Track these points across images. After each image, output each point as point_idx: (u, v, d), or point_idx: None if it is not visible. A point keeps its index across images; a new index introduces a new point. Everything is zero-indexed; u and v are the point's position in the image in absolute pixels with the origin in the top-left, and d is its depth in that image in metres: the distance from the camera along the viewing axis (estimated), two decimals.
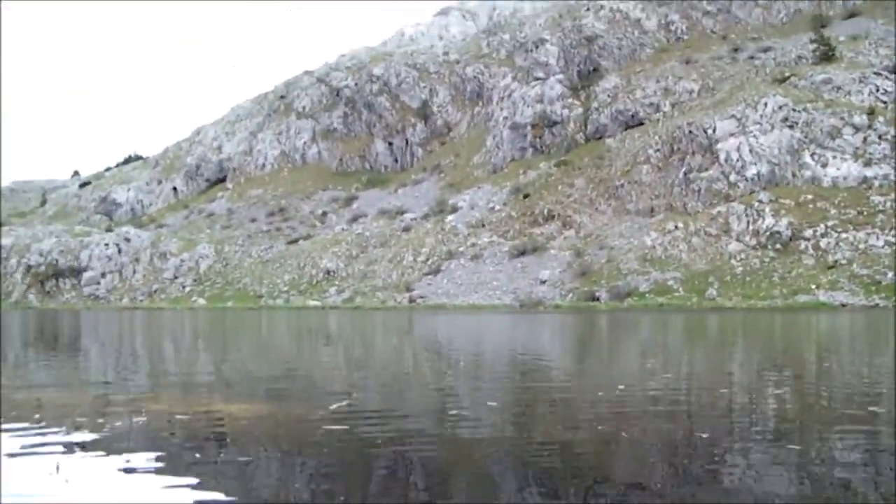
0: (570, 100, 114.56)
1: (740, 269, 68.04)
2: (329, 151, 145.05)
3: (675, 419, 8.59)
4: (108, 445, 6.89)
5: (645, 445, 7.19)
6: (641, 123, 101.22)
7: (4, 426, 7.77)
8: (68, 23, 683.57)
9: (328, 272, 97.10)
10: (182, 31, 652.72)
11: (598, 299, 67.80)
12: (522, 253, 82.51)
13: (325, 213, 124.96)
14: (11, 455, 6.52)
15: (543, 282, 74.68)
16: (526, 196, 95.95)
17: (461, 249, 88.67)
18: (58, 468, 5.91)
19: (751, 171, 77.13)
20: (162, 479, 5.73)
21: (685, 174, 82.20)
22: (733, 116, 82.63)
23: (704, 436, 7.35)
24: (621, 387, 11.13)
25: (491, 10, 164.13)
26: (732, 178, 78.33)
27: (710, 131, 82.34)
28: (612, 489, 5.61)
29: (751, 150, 78.31)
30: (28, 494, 5.27)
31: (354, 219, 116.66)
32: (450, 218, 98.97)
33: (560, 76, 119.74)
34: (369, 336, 28.98)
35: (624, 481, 5.84)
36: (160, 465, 6.20)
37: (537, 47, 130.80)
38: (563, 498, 5.43)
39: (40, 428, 7.72)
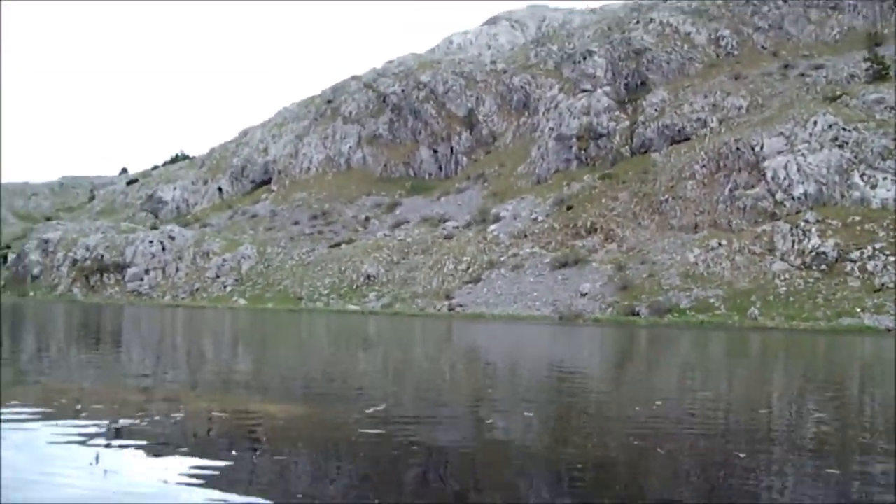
0: (616, 112, 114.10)
1: (784, 288, 67.31)
2: (374, 157, 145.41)
3: (712, 437, 8.52)
4: (147, 439, 6.96)
5: (680, 462, 7.15)
6: (688, 138, 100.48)
7: (47, 416, 7.88)
8: (121, 22, 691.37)
9: (369, 277, 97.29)
10: (231, 32, 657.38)
11: (638, 314, 67.39)
12: (564, 265, 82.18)
13: (367, 219, 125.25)
14: (53, 443, 6.61)
15: (584, 294, 74.35)
16: (569, 208, 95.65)
17: (502, 259, 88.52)
18: (97, 459, 5.99)
19: (798, 190, 76.36)
20: (198, 475, 5.79)
21: (731, 191, 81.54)
22: (782, 134, 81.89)
23: (742, 455, 7.27)
24: (659, 402, 11.08)
25: (540, 21, 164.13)
26: (779, 196, 77.59)
27: (757, 148, 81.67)
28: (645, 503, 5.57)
29: (798, 169, 77.52)
30: (67, 481, 5.33)
31: (397, 225, 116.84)
32: (492, 227, 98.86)
33: (607, 88, 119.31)
34: (407, 342, 29.00)
35: (658, 497, 5.81)
36: (197, 460, 6.25)
37: (585, 59, 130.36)
38: None
39: (81, 420, 7.81)
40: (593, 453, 7.38)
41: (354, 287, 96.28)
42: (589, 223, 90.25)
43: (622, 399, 12.39)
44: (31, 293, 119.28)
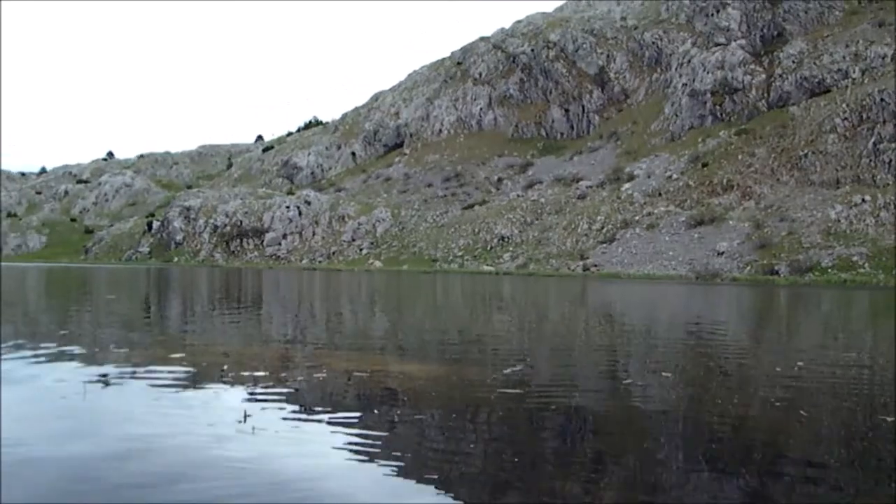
0: (752, 66, 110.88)
1: None
2: (505, 118, 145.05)
3: (856, 400, 8.42)
4: (291, 398, 7.27)
5: (823, 425, 7.11)
6: (828, 91, 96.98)
7: (194, 376, 8.30)
8: None
9: (502, 238, 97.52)
10: None
11: (777, 273, 65.86)
12: (700, 223, 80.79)
13: (500, 180, 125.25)
14: (202, 403, 7.00)
15: (721, 253, 73.03)
16: (704, 165, 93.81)
17: (637, 218, 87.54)
18: (245, 417, 6.33)
19: None
20: (339, 433, 6.04)
21: (874, 144, 78.68)
22: None
23: (889, 419, 7.17)
24: (800, 363, 10.95)
25: None
26: None
27: None
28: (787, 468, 5.57)
29: None
30: (217, 438, 5.68)
31: (530, 185, 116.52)
32: (626, 186, 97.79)
33: (742, 41, 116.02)
34: (542, 303, 29.05)
35: (800, 460, 5.79)
36: (338, 418, 6.51)
37: (718, 11, 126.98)
38: (734, 474, 5.43)
39: (227, 380, 8.20)
40: (733, 415, 7.37)
41: (488, 248, 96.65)
42: (725, 180, 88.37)
43: (762, 360, 12.25)
44: (175, 259, 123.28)
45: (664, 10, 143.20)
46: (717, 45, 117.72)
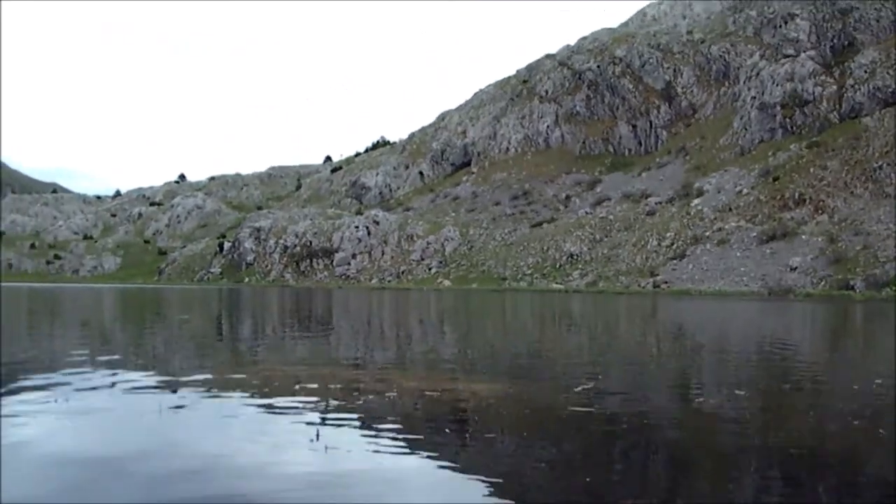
0: (822, 77, 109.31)
1: None
2: (572, 135, 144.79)
3: None
4: (362, 417, 7.31)
5: None
6: None
7: (266, 395, 8.39)
8: (321, 18, 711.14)
9: (571, 256, 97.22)
10: (425, 17, 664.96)
11: (852, 288, 64.71)
12: (772, 238, 79.77)
13: (568, 197, 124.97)
14: (274, 422, 7.08)
15: (794, 268, 71.98)
16: (775, 179, 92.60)
17: (707, 234, 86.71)
18: (317, 436, 6.38)
19: None
20: (411, 452, 6.07)
21: None
22: None
23: None
24: (878, 381, 10.74)
25: None
26: None
27: None
28: (864, 488, 5.48)
29: None
30: (290, 457, 5.74)
31: (598, 202, 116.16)
32: (695, 202, 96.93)
33: (812, 52, 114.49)
34: (613, 320, 28.90)
35: (879, 482, 5.69)
36: (410, 437, 6.53)
37: (787, 23, 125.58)
38: (810, 495, 5.36)
39: (298, 398, 8.27)
40: (808, 433, 7.25)
41: (557, 266, 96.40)
42: (797, 194, 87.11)
43: (838, 377, 12.03)
44: (247, 279, 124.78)
45: (731, 23, 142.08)
46: (786, 56, 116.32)
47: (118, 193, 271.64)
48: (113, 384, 9.03)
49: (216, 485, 5.08)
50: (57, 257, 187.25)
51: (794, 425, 7.60)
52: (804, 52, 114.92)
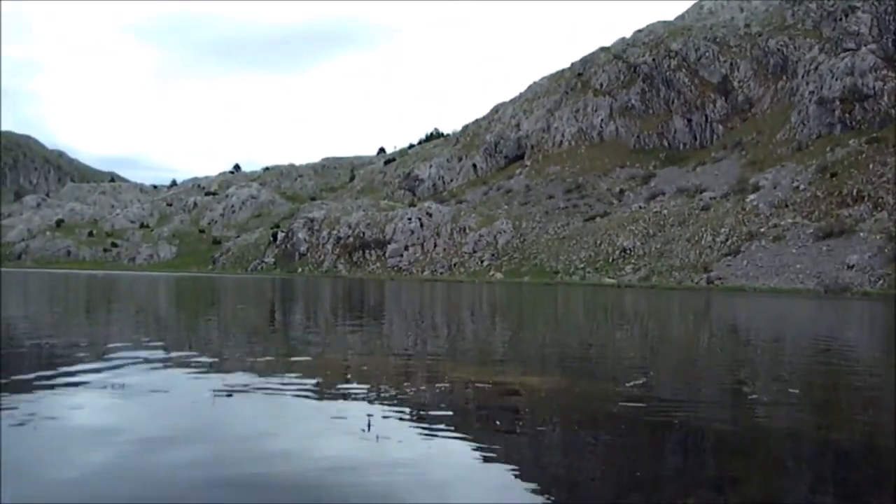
0: (883, 71, 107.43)
1: None
2: (626, 128, 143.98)
3: None
4: (413, 408, 7.32)
5: None
6: None
7: (318, 385, 8.43)
8: (375, 14, 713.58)
9: (624, 250, 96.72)
10: (481, 9, 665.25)
11: None
12: (829, 235, 78.65)
13: (622, 191, 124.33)
14: (326, 411, 7.11)
15: (851, 266, 70.90)
16: (833, 175, 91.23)
17: (762, 230, 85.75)
18: (369, 426, 6.41)
19: None
20: (462, 442, 6.06)
21: None
22: None
23: None
24: None
25: None
26: None
27: None
28: None
29: None
30: (343, 446, 5.77)
31: (652, 197, 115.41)
32: (751, 197, 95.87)
33: (873, 46, 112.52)
34: (666, 315, 28.73)
35: None
36: (461, 429, 6.53)
37: (847, 16, 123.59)
38: (864, 495, 5.30)
39: (350, 388, 8.32)
40: (864, 435, 7.14)
41: (610, 260, 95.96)
42: (855, 191, 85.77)
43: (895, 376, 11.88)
44: (300, 269, 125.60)
45: (790, 16, 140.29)
46: (847, 50, 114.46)
47: (174, 183, 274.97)
48: (167, 370, 9.15)
49: (266, 469, 5.13)
50: (114, 245, 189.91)
51: (849, 424, 7.51)
52: (865, 45, 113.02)
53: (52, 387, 7.77)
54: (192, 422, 6.48)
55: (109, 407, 6.93)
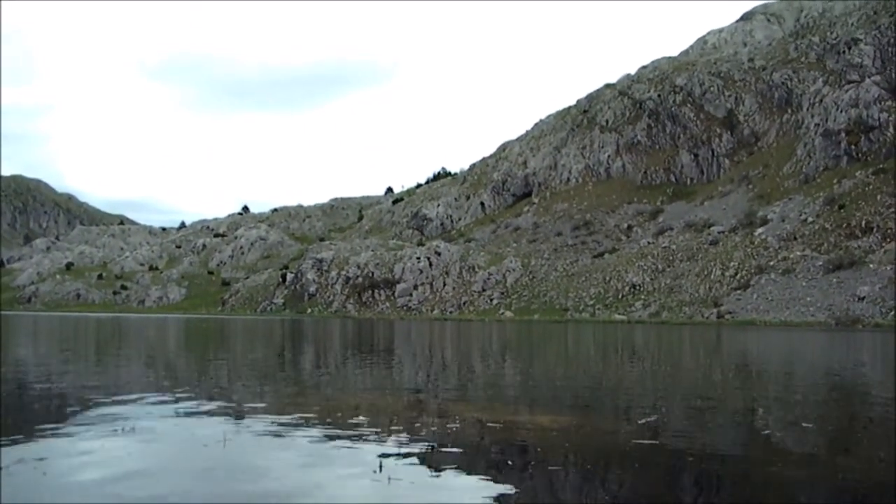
0: (888, 102, 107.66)
1: None
2: (633, 164, 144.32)
3: None
4: (424, 449, 7.29)
5: None
6: None
7: (328, 425, 8.40)
8: (382, 53, 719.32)
9: (634, 286, 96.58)
10: (484, 48, 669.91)
11: None
12: (838, 267, 78.47)
13: (630, 227, 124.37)
14: (336, 452, 7.08)
15: (861, 298, 70.68)
16: (841, 207, 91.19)
17: (772, 263, 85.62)
18: (380, 467, 6.38)
19: None
20: (474, 482, 6.03)
21: None
22: None
23: None
24: None
25: (797, 12, 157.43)
26: None
27: None
28: None
29: None
30: (355, 488, 5.73)
31: (660, 232, 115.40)
32: (759, 231, 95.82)
33: (877, 77, 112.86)
34: (676, 351, 28.65)
35: None
36: (472, 469, 6.50)
37: (850, 48, 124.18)
38: None
39: (361, 429, 8.29)
40: (879, 470, 7.11)
41: (620, 296, 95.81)
42: (864, 222, 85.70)
43: None
44: (309, 310, 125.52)
45: (793, 49, 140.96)
46: (851, 82, 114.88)
47: (183, 225, 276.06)
48: (177, 413, 9.14)
49: None
50: (124, 288, 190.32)
51: (863, 459, 7.45)
52: (869, 77, 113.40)
53: (59, 431, 7.75)
54: (203, 467, 6.45)
55: (117, 454, 6.89)
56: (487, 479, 6.18)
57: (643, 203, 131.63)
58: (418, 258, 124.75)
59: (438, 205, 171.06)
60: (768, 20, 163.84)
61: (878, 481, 6.59)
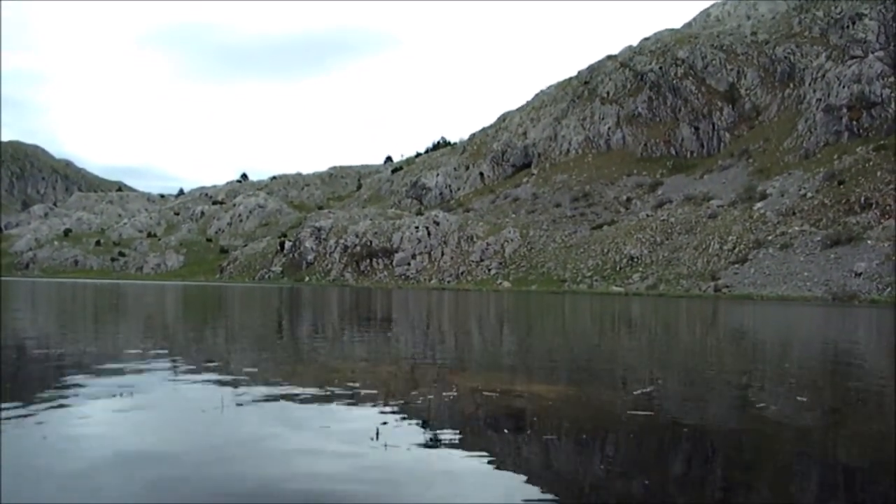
0: (891, 79, 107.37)
1: None
2: (633, 137, 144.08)
3: None
4: (421, 416, 7.32)
5: None
6: None
7: (325, 394, 8.43)
8: (382, 20, 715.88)
9: (632, 258, 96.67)
10: (487, 17, 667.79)
11: None
12: (836, 243, 78.54)
13: (629, 199, 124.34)
14: (333, 420, 7.11)
15: (859, 274, 70.78)
16: (841, 183, 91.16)
17: (770, 238, 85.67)
18: (377, 434, 6.41)
19: None
20: (469, 450, 6.05)
21: None
22: None
23: None
24: None
25: None
26: None
27: None
28: None
29: None
30: (352, 455, 5.77)
31: (659, 205, 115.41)
32: (758, 205, 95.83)
33: (880, 53, 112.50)
34: (674, 324, 28.69)
35: None
36: (468, 437, 6.54)
37: (854, 23, 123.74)
38: None
39: (358, 397, 8.31)
40: (872, 443, 7.14)
41: (617, 268, 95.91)
42: (863, 198, 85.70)
43: None
44: (307, 278, 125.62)
45: (797, 24, 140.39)
46: (854, 57, 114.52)
47: (181, 192, 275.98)
48: (175, 378, 9.17)
49: (272, 476, 5.13)
50: (121, 254, 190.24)
51: (857, 433, 7.49)
52: (872, 52, 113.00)
53: (58, 395, 7.79)
54: (201, 434, 6.48)
55: (115, 420, 6.93)
56: (482, 447, 6.21)
57: (643, 175, 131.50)
58: (417, 228, 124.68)
59: (438, 174, 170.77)
60: None
61: (871, 454, 6.63)
